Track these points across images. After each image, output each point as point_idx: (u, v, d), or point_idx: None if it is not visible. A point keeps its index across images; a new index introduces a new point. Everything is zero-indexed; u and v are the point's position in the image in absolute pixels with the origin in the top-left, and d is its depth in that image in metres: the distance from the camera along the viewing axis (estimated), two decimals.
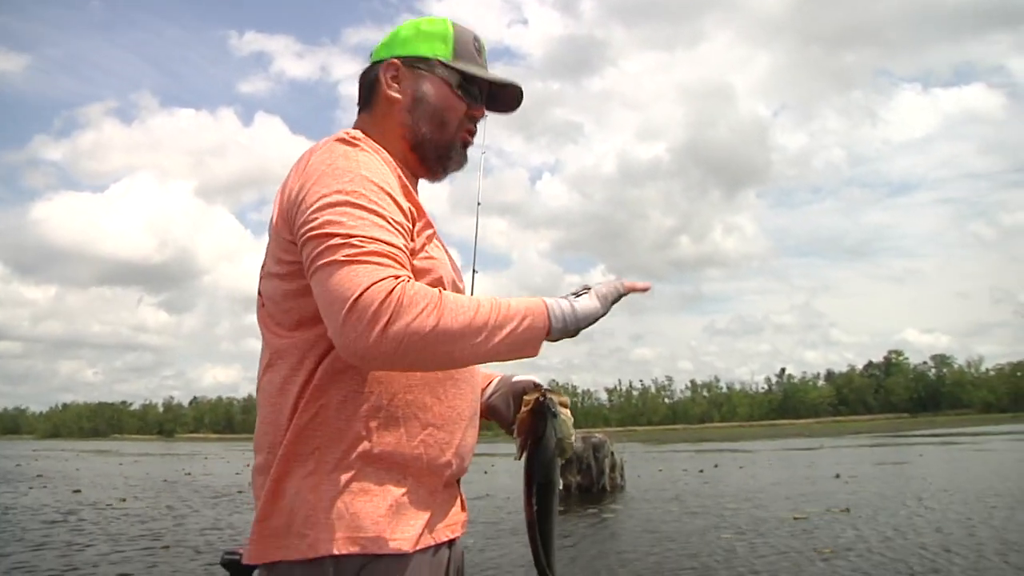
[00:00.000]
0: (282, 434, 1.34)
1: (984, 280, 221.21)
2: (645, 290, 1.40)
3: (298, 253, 1.30)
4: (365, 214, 1.26)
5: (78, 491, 19.29)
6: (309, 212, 1.27)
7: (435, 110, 1.50)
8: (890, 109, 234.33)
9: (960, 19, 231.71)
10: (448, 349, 1.20)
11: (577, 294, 1.32)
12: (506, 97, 1.60)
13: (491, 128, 1.67)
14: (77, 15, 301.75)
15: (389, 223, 1.28)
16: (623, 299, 1.38)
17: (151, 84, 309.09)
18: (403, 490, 1.34)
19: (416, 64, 1.51)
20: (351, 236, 1.22)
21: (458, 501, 1.51)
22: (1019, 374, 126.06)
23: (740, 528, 10.66)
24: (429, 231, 1.43)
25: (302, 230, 1.27)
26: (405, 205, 1.36)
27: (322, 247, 1.22)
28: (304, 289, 1.31)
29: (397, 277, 1.19)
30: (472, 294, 1.67)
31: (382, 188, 1.31)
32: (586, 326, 1.31)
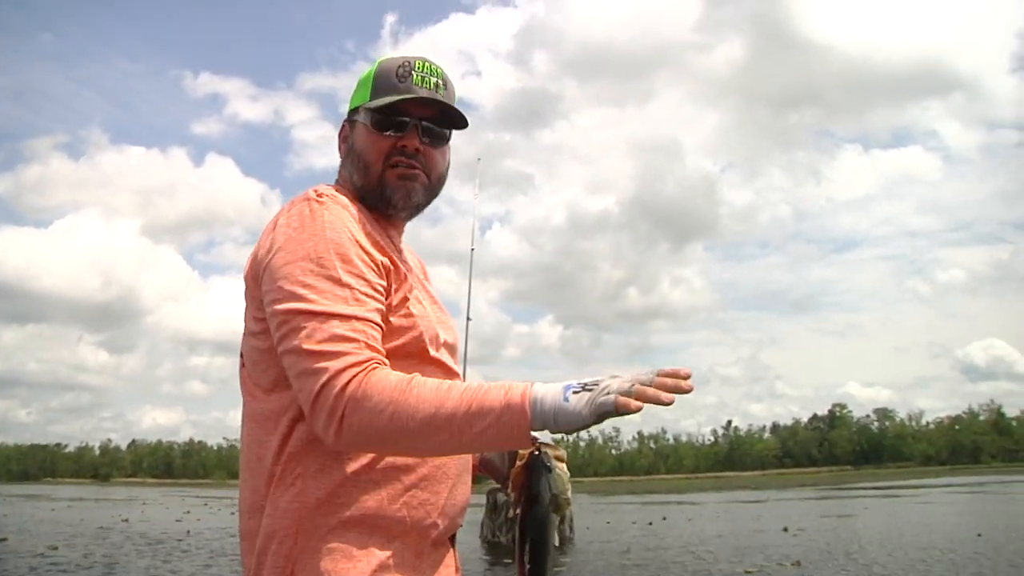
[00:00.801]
0: (262, 500, 1.31)
1: (923, 335, 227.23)
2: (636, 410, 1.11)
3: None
4: (328, 286, 1.25)
5: (4, 539, 18.45)
6: (274, 283, 1.28)
7: (359, 156, 1.48)
8: (833, 168, 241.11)
9: (896, 85, 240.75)
10: (409, 444, 1.20)
11: (586, 387, 1.13)
12: (446, 117, 1.50)
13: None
14: (28, 44, 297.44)
15: (354, 291, 1.27)
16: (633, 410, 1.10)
17: (102, 119, 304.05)
18: (388, 553, 1.29)
19: (352, 119, 1.53)
20: (313, 315, 1.23)
21: (450, 561, 1.45)
22: (956, 428, 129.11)
23: None
24: (407, 285, 1.40)
25: (269, 306, 1.29)
26: (379, 258, 1.34)
27: (286, 328, 1.25)
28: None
29: (356, 365, 1.20)
30: (466, 343, 1.62)
31: (347, 251, 1.30)
32: (567, 431, 1.15)
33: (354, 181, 1.48)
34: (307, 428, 1.28)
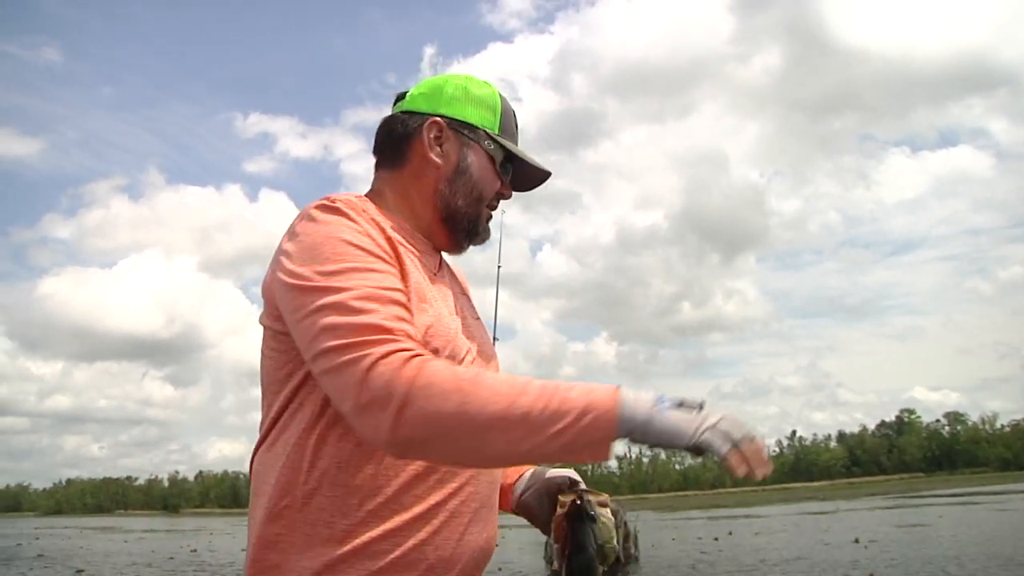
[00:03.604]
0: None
1: (988, 335, 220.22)
2: (748, 472, 1.01)
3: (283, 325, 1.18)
4: (354, 278, 1.13)
5: (81, 571, 18.89)
6: (295, 292, 1.14)
7: (475, 184, 1.37)
8: (881, 172, 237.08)
9: (936, 84, 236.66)
10: (474, 444, 1.03)
11: (681, 405, 1.02)
12: (528, 180, 1.47)
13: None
14: (92, 96, 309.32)
15: (381, 279, 1.15)
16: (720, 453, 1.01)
17: (158, 161, 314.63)
18: None
19: (462, 130, 1.38)
20: (339, 308, 1.09)
21: None
22: None
23: None
24: (415, 287, 1.25)
25: (293, 315, 1.14)
26: (389, 252, 1.23)
27: (314, 331, 1.10)
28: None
29: (405, 350, 1.05)
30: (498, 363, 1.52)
31: (363, 248, 1.17)
32: (657, 445, 1.02)
33: (449, 197, 1.36)
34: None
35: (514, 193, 1.47)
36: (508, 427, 1.01)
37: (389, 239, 1.23)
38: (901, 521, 26.14)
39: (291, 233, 1.22)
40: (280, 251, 1.21)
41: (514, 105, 1.46)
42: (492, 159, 1.39)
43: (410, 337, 1.09)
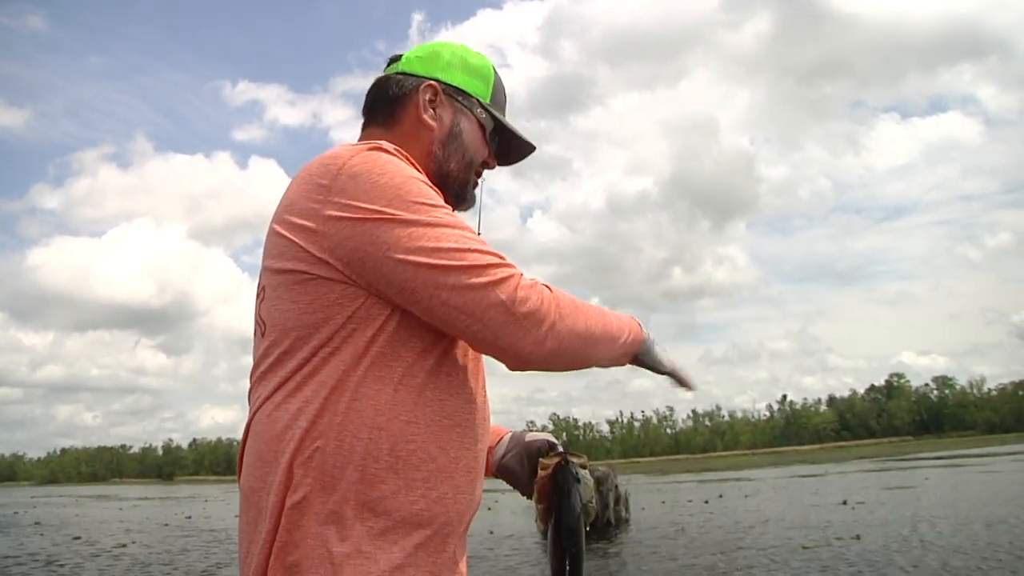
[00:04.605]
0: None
1: (977, 301, 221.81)
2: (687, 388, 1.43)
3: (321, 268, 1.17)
4: (444, 213, 1.19)
5: (78, 538, 19.04)
6: (389, 225, 1.15)
7: (466, 150, 1.41)
8: (871, 138, 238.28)
9: (927, 51, 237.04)
10: (590, 353, 1.25)
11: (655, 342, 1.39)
12: (513, 153, 1.51)
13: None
14: (79, 64, 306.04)
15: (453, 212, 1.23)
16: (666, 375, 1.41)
17: (147, 129, 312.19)
18: (408, 550, 1.16)
19: (456, 96, 1.41)
20: (461, 243, 1.16)
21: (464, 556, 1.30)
22: (1021, 393, 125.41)
23: (749, 561, 10.51)
24: None
25: (387, 247, 1.14)
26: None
27: (440, 263, 1.14)
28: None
29: (523, 275, 1.19)
30: None
31: (435, 190, 1.23)
32: (650, 368, 1.37)
33: (443, 160, 1.39)
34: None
35: (498, 166, 1.50)
36: (605, 340, 1.25)
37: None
38: (889, 483, 26.48)
39: (342, 171, 1.19)
40: (330, 189, 1.18)
41: (504, 72, 1.48)
42: (483, 127, 1.43)
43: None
